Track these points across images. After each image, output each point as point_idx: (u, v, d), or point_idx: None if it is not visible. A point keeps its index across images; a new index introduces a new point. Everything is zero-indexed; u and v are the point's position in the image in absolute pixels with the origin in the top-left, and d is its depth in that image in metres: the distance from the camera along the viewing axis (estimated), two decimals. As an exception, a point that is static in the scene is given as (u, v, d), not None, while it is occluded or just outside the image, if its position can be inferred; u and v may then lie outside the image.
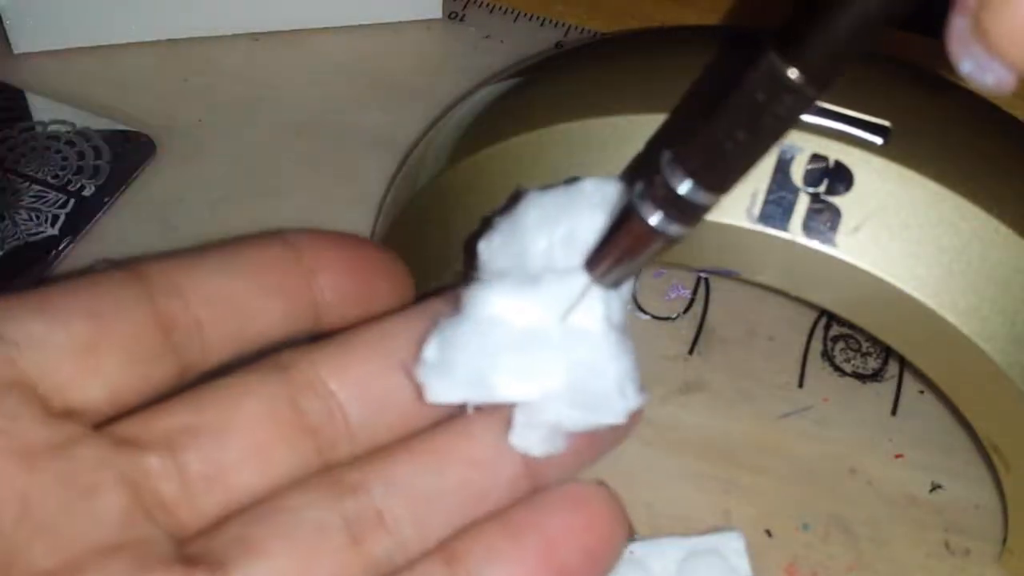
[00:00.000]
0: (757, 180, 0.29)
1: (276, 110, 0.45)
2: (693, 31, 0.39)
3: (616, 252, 0.23)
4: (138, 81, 0.45)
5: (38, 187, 0.41)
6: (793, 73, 0.19)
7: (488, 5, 0.49)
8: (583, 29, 0.48)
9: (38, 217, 0.40)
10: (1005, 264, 0.29)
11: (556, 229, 0.24)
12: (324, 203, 0.42)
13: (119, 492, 0.21)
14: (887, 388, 0.37)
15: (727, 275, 0.31)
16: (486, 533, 0.23)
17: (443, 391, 0.23)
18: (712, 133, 0.20)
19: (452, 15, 0.48)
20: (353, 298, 0.26)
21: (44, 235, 0.40)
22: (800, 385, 0.37)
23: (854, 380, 0.38)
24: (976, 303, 0.29)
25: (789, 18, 0.19)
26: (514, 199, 0.26)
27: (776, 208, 0.29)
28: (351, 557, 0.22)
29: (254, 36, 0.47)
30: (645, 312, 0.39)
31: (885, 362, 0.38)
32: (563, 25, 0.48)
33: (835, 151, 0.29)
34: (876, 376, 0.38)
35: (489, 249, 0.25)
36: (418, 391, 0.24)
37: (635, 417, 0.24)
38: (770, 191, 0.29)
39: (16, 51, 0.45)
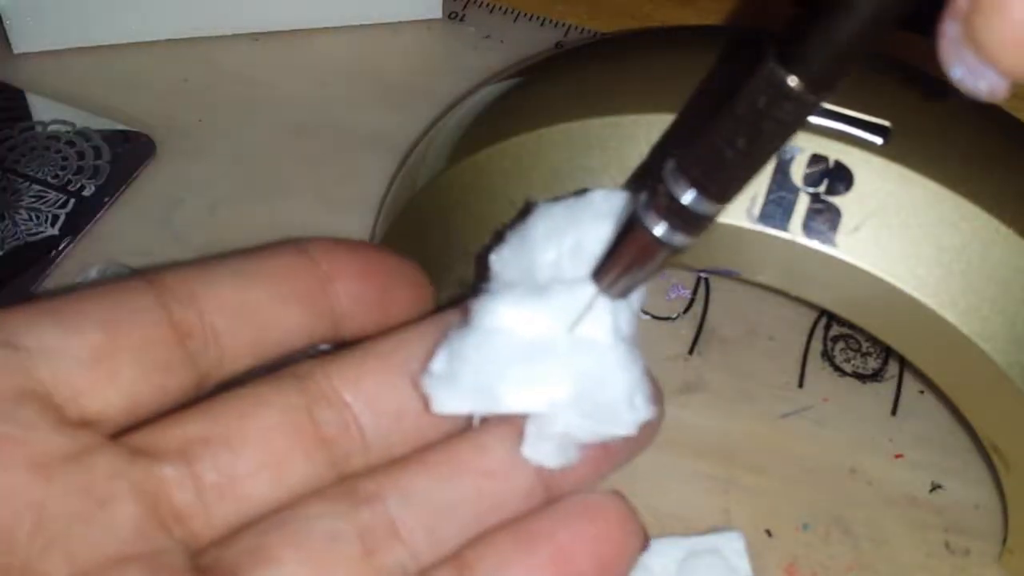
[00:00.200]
0: (757, 180, 0.29)
1: (276, 110, 0.45)
2: (693, 31, 0.39)
3: (622, 262, 0.23)
4: (138, 81, 0.45)
5: (38, 187, 0.41)
6: (793, 81, 0.19)
7: (488, 5, 0.49)
8: (583, 29, 0.48)
9: (38, 217, 0.40)
10: (1005, 264, 0.29)
11: (564, 240, 0.24)
12: (324, 203, 0.42)
13: (134, 503, 0.21)
14: (887, 388, 0.37)
15: (727, 275, 0.31)
16: (498, 542, 0.23)
17: (449, 401, 0.23)
18: (713, 141, 0.20)
19: (452, 15, 0.48)
20: (371, 306, 0.25)
21: (44, 235, 0.40)
22: (800, 385, 0.37)
23: (854, 380, 0.38)
24: (976, 303, 0.29)
25: (789, 25, 0.19)
26: (525, 211, 0.26)
27: (776, 208, 0.29)
28: (364, 568, 0.22)
29: (254, 36, 0.47)
30: (645, 312, 0.39)
31: (885, 362, 0.38)
32: (563, 25, 0.48)
33: (835, 151, 0.29)
34: (876, 376, 0.38)
35: (500, 261, 0.25)
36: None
37: (650, 429, 0.24)
38: (770, 191, 0.29)
39: (16, 51, 0.45)
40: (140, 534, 0.21)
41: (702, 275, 0.40)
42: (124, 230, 0.40)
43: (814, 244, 0.29)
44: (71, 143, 0.43)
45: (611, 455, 0.24)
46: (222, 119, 0.44)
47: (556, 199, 0.25)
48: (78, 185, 0.41)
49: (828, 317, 0.39)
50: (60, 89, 0.44)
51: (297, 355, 0.25)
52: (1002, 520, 0.34)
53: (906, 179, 0.29)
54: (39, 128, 0.43)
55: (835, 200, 0.29)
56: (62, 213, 0.40)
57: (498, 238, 0.26)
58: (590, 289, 0.23)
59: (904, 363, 0.38)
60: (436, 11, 0.48)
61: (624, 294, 0.23)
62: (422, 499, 0.23)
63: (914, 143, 0.29)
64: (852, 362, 0.38)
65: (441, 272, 0.33)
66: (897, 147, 0.29)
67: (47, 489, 0.21)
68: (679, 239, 0.22)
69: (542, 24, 0.48)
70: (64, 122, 0.43)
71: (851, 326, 0.37)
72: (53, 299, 0.23)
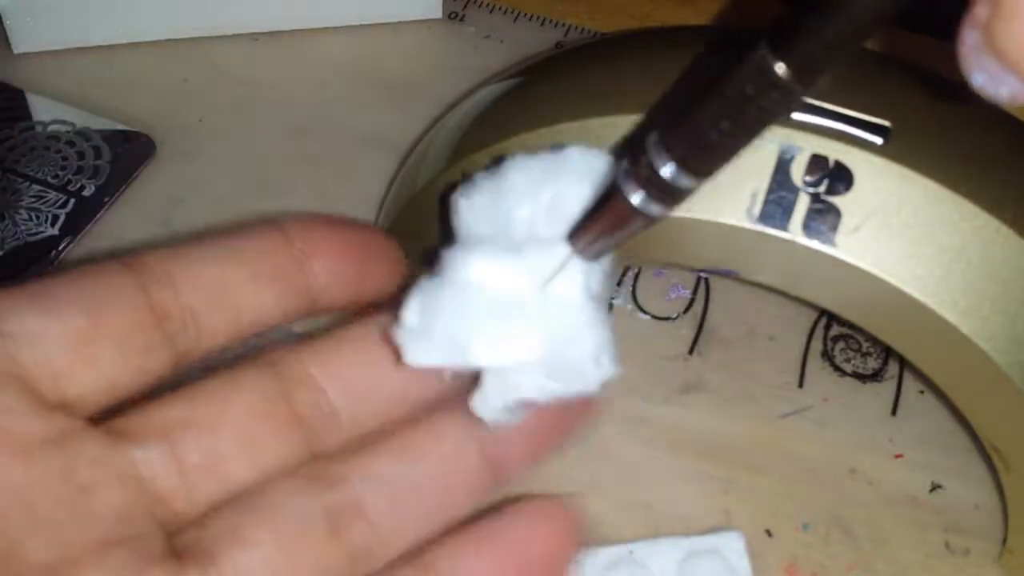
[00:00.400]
0: (757, 180, 0.29)
1: (276, 110, 0.45)
2: (693, 31, 0.39)
3: (598, 227, 0.23)
4: (138, 81, 0.45)
5: (38, 187, 0.41)
6: (781, 69, 0.19)
7: (488, 5, 0.49)
8: (583, 29, 0.48)
9: (38, 217, 0.40)
10: (1005, 264, 0.29)
11: (540, 196, 0.25)
12: (324, 203, 0.42)
13: (116, 487, 0.22)
14: (887, 388, 0.37)
15: (727, 275, 0.31)
16: (456, 542, 0.24)
17: (421, 355, 0.24)
18: (699, 121, 0.21)
19: (452, 15, 0.48)
20: (347, 280, 0.26)
21: (44, 235, 0.40)
22: (800, 385, 0.37)
23: (854, 380, 0.38)
24: (976, 303, 0.29)
25: (781, 15, 0.19)
26: (497, 160, 0.26)
27: (776, 208, 0.29)
28: (332, 546, 0.23)
29: (254, 36, 0.47)
30: (645, 312, 0.39)
31: (885, 362, 0.38)
32: (563, 25, 0.48)
33: (835, 151, 0.29)
34: (876, 376, 0.38)
35: (471, 208, 0.25)
36: (402, 383, 0.25)
37: (592, 407, 0.26)
38: (770, 191, 0.29)
39: (16, 51, 0.45)
40: (122, 518, 0.22)
41: (702, 275, 0.40)
42: (124, 230, 0.40)
43: (814, 244, 0.29)
44: (71, 143, 0.43)
45: (550, 436, 0.26)
46: (222, 119, 0.44)
47: (531, 153, 0.25)
48: (78, 185, 0.41)
49: (828, 317, 0.39)
50: (60, 89, 0.44)
51: (276, 331, 0.25)
52: (1002, 520, 0.34)
53: (906, 179, 0.29)
54: (39, 128, 0.43)
55: (835, 200, 0.29)
56: (62, 213, 0.40)
57: (467, 181, 0.26)
58: (565, 249, 0.24)
59: (904, 363, 0.38)
60: (436, 11, 0.48)
61: (597, 257, 0.24)
62: (385, 481, 0.24)
63: (914, 143, 0.29)
64: (852, 362, 0.38)
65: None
66: (897, 147, 0.29)
67: (28, 473, 0.21)
68: (655, 209, 0.22)
69: (542, 24, 0.48)
70: (64, 122, 0.43)
71: (851, 326, 0.37)
72: (33, 284, 0.23)
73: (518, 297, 0.23)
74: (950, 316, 0.29)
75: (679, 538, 0.33)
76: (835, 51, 0.19)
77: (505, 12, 0.49)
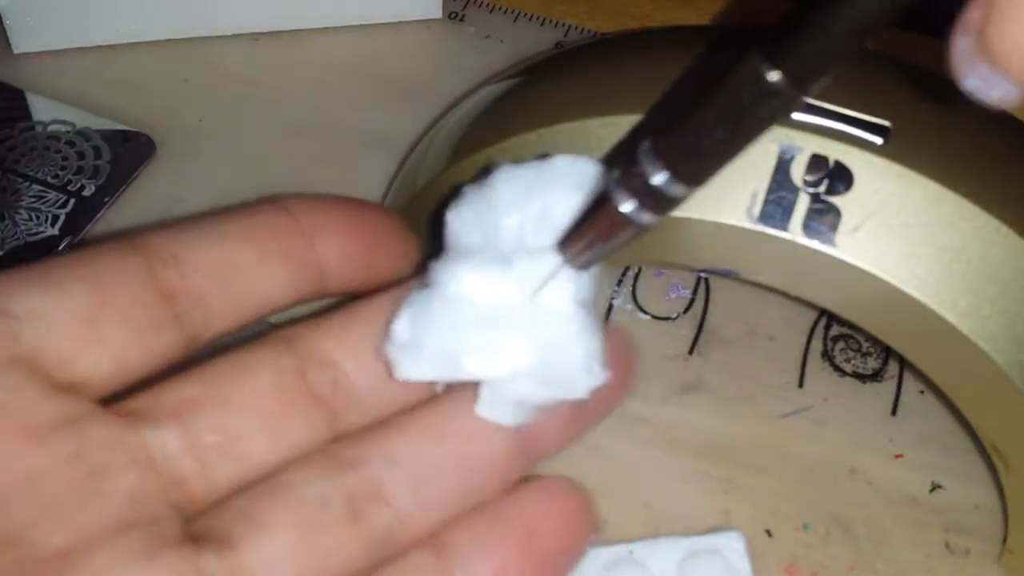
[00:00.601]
0: (757, 180, 0.29)
1: (276, 110, 0.45)
2: (693, 31, 0.39)
3: (589, 236, 0.23)
4: (138, 81, 0.45)
5: (38, 187, 0.41)
6: (775, 76, 0.19)
7: (488, 5, 0.49)
8: (583, 29, 0.48)
9: (38, 217, 0.40)
10: (1005, 264, 0.29)
11: (529, 206, 0.25)
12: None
13: (128, 469, 0.21)
14: (887, 388, 0.37)
15: (727, 275, 0.31)
16: (470, 522, 0.23)
17: (411, 368, 0.23)
18: (691, 128, 0.20)
19: (452, 15, 0.48)
20: (357, 261, 0.25)
21: (44, 235, 0.40)
22: (800, 385, 0.37)
23: (854, 380, 0.38)
24: (976, 303, 0.29)
25: (776, 21, 0.19)
26: (485, 171, 0.26)
27: (776, 208, 0.29)
28: (352, 531, 0.22)
29: (254, 36, 0.47)
30: (645, 312, 0.39)
31: (885, 362, 0.38)
32: (563, 25, 0.48)
33: (835, 151, 0.29)
34: (876, 376, 0.38)
35: (459, 221, 0.25)
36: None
37: (619, 392, 0.25)
38: (770, 191, 0.29)
39: (16, 51, 0.45)
40: (135, 502, 0.21)
41: (702, 275, 0.40)
42: (124, 230, 0.40)
43: (814, 244, 0.29)
44: (71, 143, 0.43)
45: (584, 418, 0.25)
46: (222, 119, 0.44)
47: (518, 162, 0.25)
48: (78, 185, 0.41)
49: (828, 317, 0.39)
50: (60, 89, 0.44)
51: (286, 311, 0.25)
52: (1002, 520, 0.34)
53: (906, 179, 0.29)
54: (39, 128, 0.43)
55: (835, 200, 0.29)
56: (62, 213, 0.40)
57: (456, 195, 0.26)
58: (554, 259, 0.23)
59: (904, 363, 0.38)
60: (436, 11, 0.48)
61: (587, 266, 0.24)
62: (406, 462, 0.23)
63: (914, 143, 0.29)
64: (852, 362, 0.38)
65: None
66: (897, 147, 0.29)
67: (38, 457, 0.21)
68: (647, 218, 0.22)
69: (542, 24, 0.48)
70: (64, 122, 0.43)
71: (851, 326, 0.37)
72: (37, 264, 0.23)
73: (508, 308, 0.23)
74: (950, 316, 0.29)
75: (679, 538, 0.33)
76: (830, 57, 0.19)
77: (505, 12, 0.49)
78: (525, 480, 0.24)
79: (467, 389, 0.24)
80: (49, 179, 0.41)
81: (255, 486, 0.22)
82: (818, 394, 0.37)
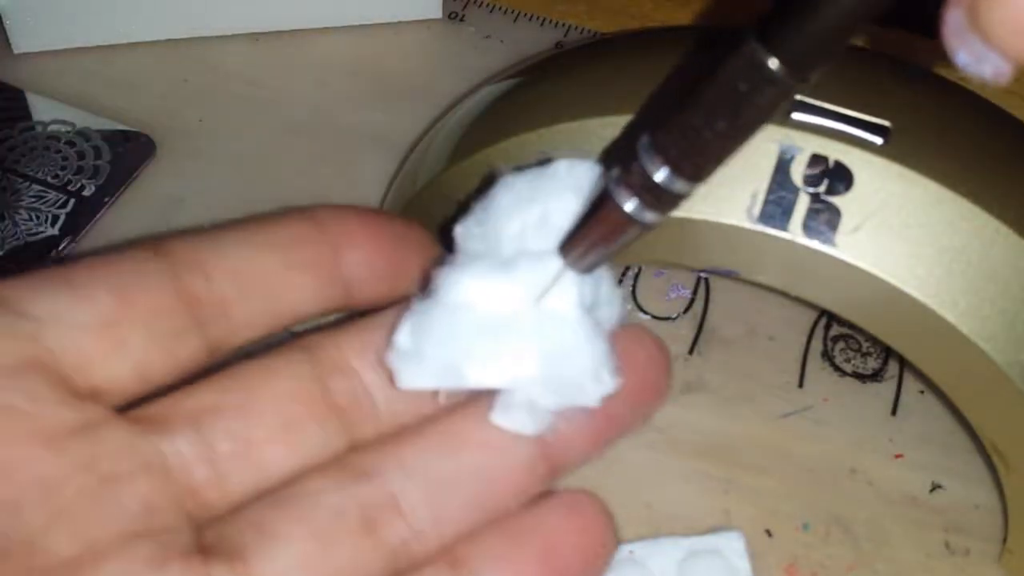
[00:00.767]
0: (757, 180, 0.29)
1: (276, 110, 0.45)
2: (693, 32, 0.39)
3: (591, 237, 0.23)
4: (138, 81, 0.45)
5: (38, 187, 0.41)
6: (774, 63, 0.19)
7: (488, 5, 0.49)
8: (583, 29, 0.48)
9: (38, 217, 0.40)
10: (1005, 264, 0.29)
11: (529, 212, 0.24)
12: (324, 203, 0.42)
13: (141, 478, 0.21)
14: (887, 388, 0.37)
15: (727, 275, 0.31)
16: (489, 537, 0.23)
17: (414, 378, 0.23)
18: (691, 121, 0.20)
19: (452, 15, 0.48)
20: (382, 272, 0.25)
21: (44, 235, 0.40)
22: (800, 385, 0.37)
23: (854, 380, 0.38)
24: (976, 303, 0.29)
25: (772, 8, 0.19)
26: (488, 182, 0.25)
27: (776, 208, 0.29)
28: (367, 543, 0.22)
29: (254, 36, 0.47)
30: (645, 312, 0.39)
31: (885, 362, 0.38)
32: (563, 25, 0.48)
33: (835, 151, 0.29)
34: (876, 376, 0.38)
35: (464, 232, 0.25)
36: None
37: (653, 397, 0.24)
38: (770, 191, 0.29)
39: (16, 51, 0.45)
40: (147, 510, 0.21)
41: (702, 275, 0.40)
42: (124, 230, 0.40)
43: (814, 244, 0.29)
44: (71, 143, 0.43)
45: (612, 427, 0.24)
46: (222, 119, 0.44)
47: (519, 169, 0.25)
48: (78, 185, 0.41)
49: (828, 317, 0.39)
50: (60, 89, 0.44)
51: (311, 323, 0.25)
52: (1002, 520, 0.34)
53: (906, 179, 0.29)
54: (39, 128, 0.43)
55: (835, 200, 0.29)
56: (62, 213, 0.40)
57: (464, 210, 0.25)
58: (556, 262, 0.23)
59: (904, 363, 0.38)
60: (436, 11, 0.48)
61: (590, 269, 0.23)
62: (423, 473, 0.23)
63: (914, 143, 0.29)
64: (852, 362, 0.38)
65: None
66: (897, 147, 0.29)
67: (54, 463, 0.20)
68: (649, 216, 0.21)
69: (542, 24, 0.48)
70: (64, 122, 0.43)
71: (851, 326, 0.37)
72: (60, 267, 0.22)
73: (511, 314, 0.23)
74: (950, 316, 0.29)
75: (679, 538, 0.33)
76: (829, 40, 0.19)
77: (505, 12, 0.49)
78: (545, 493, 0.24)
79: (486, 399, 0.23)
80: (49, 179, 0.41)
81: (269, 496, 0.22)
82: (818, 394, 0.37)
